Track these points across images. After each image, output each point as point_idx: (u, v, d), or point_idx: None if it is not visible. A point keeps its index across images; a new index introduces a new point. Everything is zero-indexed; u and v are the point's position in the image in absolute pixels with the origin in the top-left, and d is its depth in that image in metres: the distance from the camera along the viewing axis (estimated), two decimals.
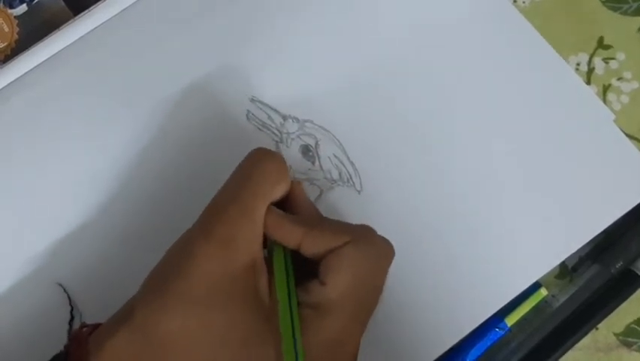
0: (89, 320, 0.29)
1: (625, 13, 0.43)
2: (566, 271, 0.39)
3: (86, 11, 0.33)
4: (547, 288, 0.36)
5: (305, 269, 0.26)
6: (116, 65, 0.33)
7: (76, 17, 0.33)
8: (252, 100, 0.34)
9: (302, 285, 0.25)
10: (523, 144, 0.35)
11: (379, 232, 0.26)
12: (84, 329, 0.25)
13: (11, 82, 0.32)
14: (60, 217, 0.31)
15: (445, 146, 0.34)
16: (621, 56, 0.43)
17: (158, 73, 0.33)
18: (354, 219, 0.32)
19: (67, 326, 0.30)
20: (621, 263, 0.37)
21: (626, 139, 0.36)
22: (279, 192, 0.26)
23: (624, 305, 0.36)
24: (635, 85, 0.42)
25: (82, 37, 0.33)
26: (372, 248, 0.26)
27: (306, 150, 0.33)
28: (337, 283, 0.24)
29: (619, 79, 0.42)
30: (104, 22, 0.33)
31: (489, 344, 0.35)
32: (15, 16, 0.35)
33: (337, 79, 0.34)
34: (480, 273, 0.33)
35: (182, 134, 0.33)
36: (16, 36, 0.35)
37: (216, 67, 0.34)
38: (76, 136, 0.32)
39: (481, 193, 0.34)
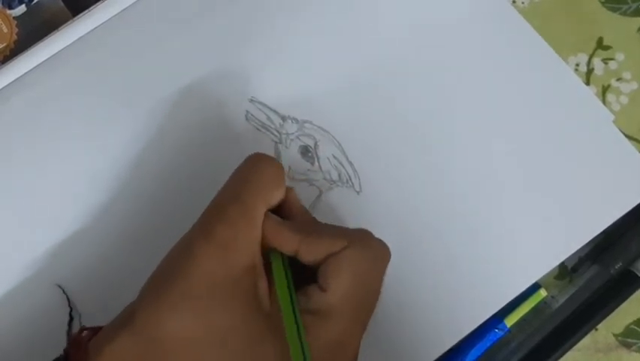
0: (89, 321, 0.29)
1: (624, 13, 0.43)
2: (565, 271, 0.39)
3: (86, 11, 0.33)
4: (546, 289, 0.36)
5: (303, 274, 0.26)
6: (116, 65, 0.33)
7: (76, 17, 0.33)
8: (251, 100, 0.34)
9: (301, 290, 0.25)
10: (523, 144, 0.35)
11: (379, 233, 0.26)
12: (84, 333, 0.25)
13: (11, 82, 0.32)
14: (60, 217, 0.31)
15: (445, 146, 0.35)
16: (620, 56, 0.43)
17: (158, 73, 0.33)
18: (354, 219, 0.32)
19: (66, 328, 0.30)
20: (621, 264, 0.37)
21: (626, 140, 0.36)
22: (277, 197, 0.26)
23: (624, 306, 0.36)
24: (634, 86, 0.42)
25: (82, 37, 0.33)
26: (370, 251, 0.26)
27: (305, 151, 0.33)
28: (337, 288, 0.24)
29: (618, 79, 0.42)
30: (104, 22, 0.33)
31: (488, 344, 0.35)
32: (14, 17, 0.35)
33: (337, 79, 0.34)
34: (480, 273, 0.33)
35: (181, 134, 0.33)
36: (15, 37, 0.35)
37: (216, 67, 0.34)
38: (76, 136, 0.32)
39: (481, 193, 0.34)
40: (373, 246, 0.26)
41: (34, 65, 0.32)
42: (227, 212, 0.25)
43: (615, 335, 0.40)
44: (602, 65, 0.43)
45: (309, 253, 0.25)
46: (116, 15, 0.34)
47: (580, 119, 0.36)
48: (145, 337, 0.23)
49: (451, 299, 0.33)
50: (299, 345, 0.23)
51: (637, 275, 0.37)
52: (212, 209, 0.25)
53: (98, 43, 0.33)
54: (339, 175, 0.33)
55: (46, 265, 0.30)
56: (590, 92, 0.37)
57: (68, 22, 0.33)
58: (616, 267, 0.37)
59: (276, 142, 0.33)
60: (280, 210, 0.27)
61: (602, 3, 0.43)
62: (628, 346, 0.39)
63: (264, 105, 0.34)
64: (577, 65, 0.43)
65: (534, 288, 0.36)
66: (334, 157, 0.33)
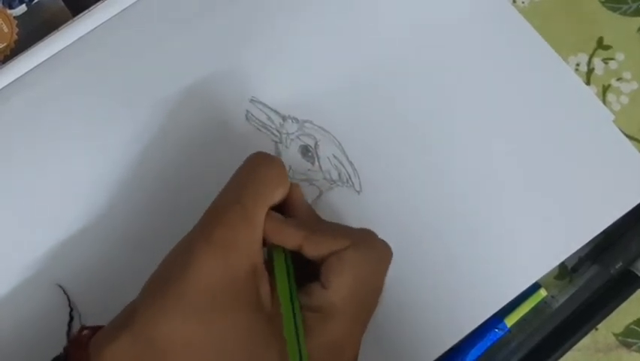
0: (89, 322, 0.29)
1: (624, 13, 0.43)
2: (565, 271, 0.39)
3: (86, 11, 0.33)
4: (546, 289, 0.36)
5: (305, 271, 0.26)
6: (116, 65, 0.33)
7: (76, 17, 0.33)
8: (252, 100, 0.34)
9: (303, 287, 0.25)
10: (523, 144, 0.35)
11: (379, 233, 0.26)
12: (84, 332, 0.25)
13: (11, 82, 0.32)
14: (60, 217, 0.31)
15: (445, 146, 0.35)
16: (621, 56, 0.43)
17: (158, 73, 0.33)
18: (354, 219, 0.32)
19: (66, 328, 0.30)
20: (621, 264, 0.37)
21: (626, 139, 0.36)
22: (278, 195, 0.26)
23: (624, 306, 0.36)
24: (634, 85, 0.42)
25: (82, 37, 0.33)
26: (373, 252, 0.26)
27: (305, 151, 0.33)
28: (339, 287, 0.24)
29: (618, 79, 0.42)
30: (104, 22, 0.33)
31: (489, 344, 0.35)
32: (14, 17, 0.35)
33: (337, 79, 0.34)
34: (480, 273, 0.33)
35: (181, 134, 0.33)
36: (15, 36, 0.35)
37: (216, 67, 0.34)
38: (76, 136, 0.32)
39: (481, 193, 0.34)
40: (377, 247, 0.26)
41: (34, 65, 0.32)
42: (227, 214, 0.25)
43: (615, 335, 0.40)
44: (603, 64, 0.43)
45: (313, 248, 0.25)
46: (116, 15, 0.34)
47: (580, 119, 0.36)
48: (145, 338, 0.23)
49: (451, 299, 0.33)
50: (296, 343, 0.23)
51: (637, 275, 0.37)
52: (212, 211, 0.25)
53: (98, 43, 0.33)
54: (340, 175, 0.33)
55: (46, 265, 0.30)
56: (590, 92, 0.37)
57: (68, 22, 0.33)
58: (616, 267, 0.37)
59: (276, 142, 0.33)
60: (285, 207, 0.27)
61: (602, 3, 0.43)
62: (628, 346, 0.39)
63: (265, 105, 0.34)
64: (577, 64, 0.43)
65: (534, 288, 0.36)
66: (334, 157, 0.33)
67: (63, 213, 0.31)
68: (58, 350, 0.26)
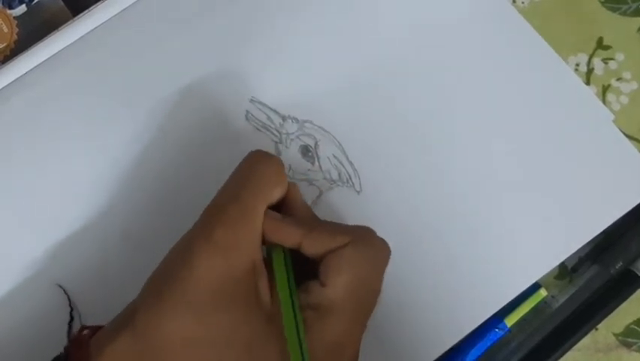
0: (89, 321, 0.29)
1: (624, 13, 0.43)
2: (565, 271, 0.39)
3: (86, 11, 0.33)
4: (546, 288, 0.36)
5: (304, 269, 0.26)
6: (116, 65, 0.33)
7: (76, 17, 0.33)
8: (252, 100, 0.34)
9: (302, 285, 0.25)
10: (523, 144, 0.35)
11: (379, 232, 0.26)
12: (85, 332, 0.25)
13: (11, 82, 0.32)
14: (60, 217, 0.31)
15: (445, 146, 0.35)
16: (620, 56, 0.43)
17: (158, 73, 0.33)
18: (354, 219, 0.32)
19: (66, 328, 0.30)
20: (621, 264, 0.37)
21: (626, 139, 0.36)
22: (277, 194, 0.26)
23: (624, 306, 0.36)
24: (634, 85, 0.42)
25: (82, 37, 0.33)
26: (372, 249, 0.26)
27: (305, 151, 0.33)
28: (338, 284, 0.24)
29: (618, 79, 0.42)
30: (104, 22, 0.33)
31: (489, 344, 0.35)
32: (14, 17, 0.35)
33: (337, 79, 0.34)
34: (480, 273, 0.33)
35: (181, 134, 0.33)
36: (15, 37, 0.35)
37: (216, 67, 0.34)
38: (76, 136, 0.32)
39: (481, 193, 0.34)
40: (375, 244, 0.26)
41: (34, 65, 0.32)
42: (226, 212, 0.25)
43: (615, 335, 0.40)
44: (602, 64, 0.43)
45: (312, 246, 0.25)
46: (116, 15, 0.33)
47: (580, 119, 0.36)
48: (145, 338, 0.23)
49: (451, 299, 0.33)
50: (297, 341, 0.23)
51: (637, 275, 0.37)
52: (211, 209, 0.25)
53: (98, 43, 0.33)
54: (340, 175, 0.33)
55: (46, 265, 0.30)
56: (590, 92, 0.37)
57: (68, 22, 0.33)
58: (616, 267, 0.37)
59: (276, 142, 0.33)
60: (282, 206, 0.27)
61: (602, 3, 0.43)
62: (628, 346, 0.39)
63: (264, 105, 0.34)
64: (577, 64, 0.43)
65: (534, 288, 0.36)
66: (334, 157, 0.33)
67: (63, 213, 0.31)
68: (59, 350, 0.26)
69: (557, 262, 0.34)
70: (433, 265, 0.33)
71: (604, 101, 0.42)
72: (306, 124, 0.34)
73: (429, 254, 0.33)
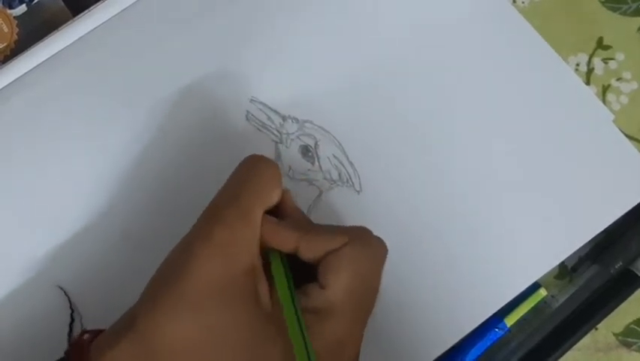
0: (90, 323, 0.29)
1: (624, 13, 0.43)
2: (565, 271, 0.39)
3: (86, 11, 0.33)
4: (546, 288, 0.37)
5: (302, 272, 0.26)
6: (116, 65, 0.33)
7: (76, 17, 0.33)
8: (252, 100, 0.34)
9: (301, 289, 0.25)
10: (523, 144, 0.35)
11: (379, 233, 0.26)
12: (85, 336, 0.25)
13: (11, 82, 0.32)
14: (60, 218, 0.31)
15: (445, 146, 0.35)
16: (620, 56, 0.43)
17: (158, 73, 0.33)
18: (354, 219, 0.32)
19: (67, 329, 0.30)
20: (621, 263, 0.37)
21: (626, 139, 0.36)
22: (275, 197, 0.26)
23: (624, 305, 0.36)
24: (634, 85, 0.42)
25: (82, 37, 0.33)
26: (369, 248, 0.26)
27: (305, 151, 0.33)
28: (337, 286, 0.24)
29: (618, 79, 0.42)
30: (104, 22, 0.33)
31: (488, 344, 0.35)
32: (14, 17, 0.35)
33: (337, 79, 0.34)
34: (480, 273, 0.33)
35: (181, 134, 0.33)
36: (15, 37, 0.35)
37: (216, 67, 0.34)
38: (77, 136, 0.32)
39: (481, 193, 0.34)
40: (372, 244, 0.26)
41: (34, 65, 0.32)
42: (225, 214, 0.25)
43: (615, 335, 0.40)
44: (602, 64, 0.43)
45: (309, 249, 0.25)
46: (116, 15, 0.33)
47: (580, 119, 0.36)
48: (146, 342, 0.23)
49: (451, 299, 0.33)
50: (302, 344, 0.23)
51: (637, 275, 0.37)
52: (210, 211, 0.25)
53: (98, 43, 0.33)
54: (340, 175, 0.33)
55: (46, 267, 0.30)
56: (590, 92, 0.37)
57: (68, 22, 0.33)
58: (616, 266, 0.37)
59: (276, 142, 0.33)
60: (276, 212, 0.27)
61: (602, 3, 0.43)
62: (628, 345, 0.39)
63: (265, 105, 0.34)
64: (577, 64, 0.43)
65: (534, 287, 0.36)
66: (334, 157, 0.33)
67: (63, 213, 0.31)
68: (59, 352, 0.25)
69: (557, 262, 0.34)
70: (433, 265, 0.33)
71: (604, 101, 0.42)
72: (306, 124, 0.34)
73: (429, 254, 0.33)
